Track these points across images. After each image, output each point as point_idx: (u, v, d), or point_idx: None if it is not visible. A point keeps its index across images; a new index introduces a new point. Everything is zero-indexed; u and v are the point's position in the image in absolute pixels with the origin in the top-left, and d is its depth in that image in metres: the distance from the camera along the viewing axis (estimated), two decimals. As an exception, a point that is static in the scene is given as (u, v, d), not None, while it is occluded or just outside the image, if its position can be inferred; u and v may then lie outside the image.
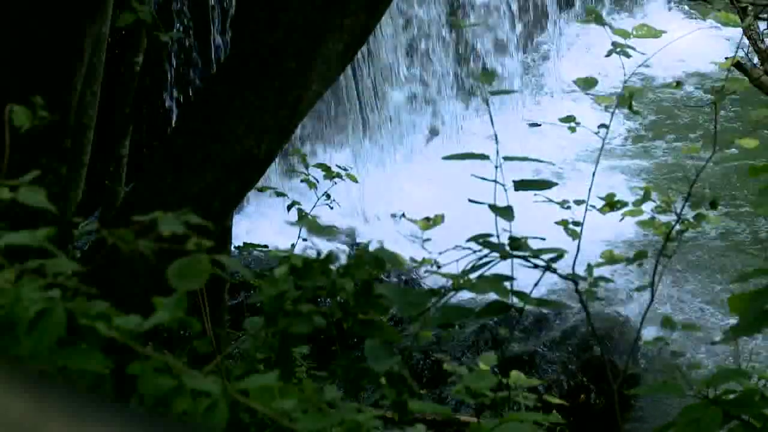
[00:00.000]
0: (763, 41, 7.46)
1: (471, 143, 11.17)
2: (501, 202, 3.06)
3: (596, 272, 3.33)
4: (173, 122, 9.43)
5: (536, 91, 13.10)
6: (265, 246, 6.23)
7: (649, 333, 7.14)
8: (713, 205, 3.88)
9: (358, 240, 10.02)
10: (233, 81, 3.79)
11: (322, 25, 3.70)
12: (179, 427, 1.59)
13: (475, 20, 12.27)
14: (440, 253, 3.44)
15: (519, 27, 13.10)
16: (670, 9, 14.94)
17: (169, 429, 1.45)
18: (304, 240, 5.12)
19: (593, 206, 3.83)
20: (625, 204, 4.08)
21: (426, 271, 3.67)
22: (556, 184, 3.28)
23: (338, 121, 11.11)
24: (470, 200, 3.21)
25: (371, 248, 2.64)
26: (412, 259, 3.81)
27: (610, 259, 3.80)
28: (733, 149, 10.80)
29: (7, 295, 2.11)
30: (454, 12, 12.19)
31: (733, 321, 2.93)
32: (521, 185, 3.19)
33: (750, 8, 7.05)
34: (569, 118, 4.29)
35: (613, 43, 4.08)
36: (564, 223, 3.99)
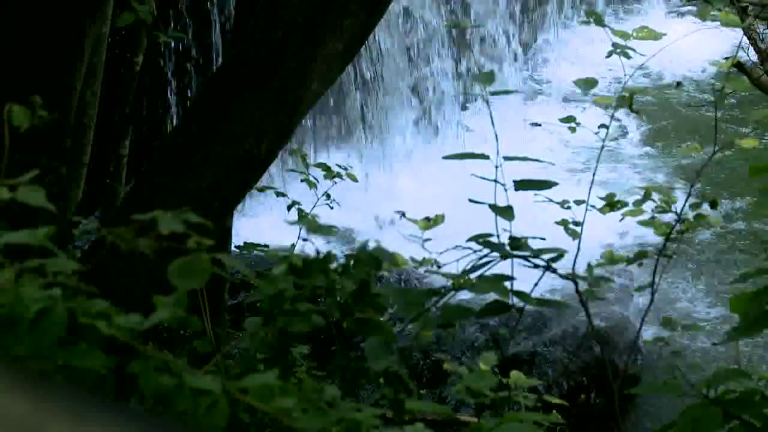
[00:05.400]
0: (763, 41, 7.46)
1: (471, 143, 11.18)
2: (501, 202, 3.06)
3: (596, 272, 3.33)
4: (173, 122, 9.43)
5: (536, 91, 13.10)
6: (266, 246, 6.22)
7: (649, 333, 7.15)
8: (713, 205, 3.89)
9: (357, 240, 10.03)
10: (233, 81, 3.79)
11: (322, 25, 3.70)
12: (179, 426, 1.59)
13: (476, 21, 12.28)
14: (440, 253, 3.45)
15: (519, 27, 13.10)
16: (668, 11, 14.94)
17: (169, 428, 1.45)
18: (304, 240, 5.11)
19: (593, 206, 3.84)
20: (625, 204, 4.08)
21: (426, 271, 3.67)
22: (556, 184, 3.28)
23: (338, 120, 11.11)
24: (470, 200, 3.21)
25: (369, 248, 2.64)
26: (412, 259, 3.81)
27: (610, 259, 3.81)
28: (734, 149, 10.80)
29: (7, 295, 2.11)
30: (455, 12, 12.19)
31: (733, 319, 2.93)
32: (521, 185, 3.19)
33: (750, 8, 7.05)
34: (569, 119, 4.30)
35: (613, 45, 4.08)
36: (564, 223, 3.99)
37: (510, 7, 12.93)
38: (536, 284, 3.02)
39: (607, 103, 4.13)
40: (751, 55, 8.01)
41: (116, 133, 5.51)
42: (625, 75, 3.99)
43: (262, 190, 6.88)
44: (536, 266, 3.00)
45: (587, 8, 13.68)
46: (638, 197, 4.04)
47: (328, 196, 6.24)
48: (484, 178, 3.22)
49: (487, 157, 3.24)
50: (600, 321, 8.10)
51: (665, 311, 9.06)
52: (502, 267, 2.92)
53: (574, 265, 3.24)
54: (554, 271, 3.02)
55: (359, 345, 2.65)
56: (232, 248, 5.91)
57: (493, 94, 3.40)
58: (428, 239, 3.59)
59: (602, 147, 3.90)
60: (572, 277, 3.21)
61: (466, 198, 3.34)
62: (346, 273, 2.58)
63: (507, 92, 4.03)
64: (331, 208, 6.30)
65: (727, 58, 4.64)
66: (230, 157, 3.71)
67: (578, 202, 3.99)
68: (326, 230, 2.81)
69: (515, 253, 2.95)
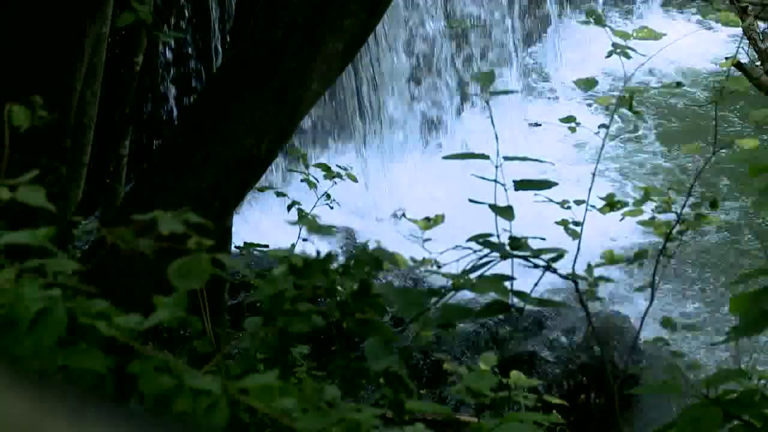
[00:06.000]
0: (763, 41, 7.46)
1: (471, 143, 11.18)
2: (501, 202, 3.06)
3: (596, 272, 3.33)
4: (173, 122, 9.43)
5: (536, 91, 13.10)
6: (266, 246, 6.23)
7: (649, 333, 7.14)
8: (713, 205, 3.89)
9: (358, 240, 10.03)
10: (233, 81, 3.79)
11: (322, 25, 3.70)
12: (179, 426, 1.59)
13: (476, 21, 12.27)
14: (440, 253, 3.44)
15: (519, 27, 13.10)
16: (668, 10, 14.93)
17: (169, 429, 1.45)
18: (304, 240, 5.12)
19: (593, 206, 3.83)
20: (625, 204, 4.08)
21: (426, 271, 3.67)
22: (556, 184, 3.28)
23: (339, 120, 11.11)
24: (470, 200, 3.21)
25: (370, 248, 2.64)
26: (412, 259, 3.81)
27: (610, 259, 3.80)
28: (737, 148, 10.78)
29: (7, 295, 2.11)
30: (455, 12, 12.19)
31: (734, 320, 2.94)
32: (521, 185, 3.19)
33: (750, 8, 7.05)
34: (569, 119, 4.30)
35: (614, 45, 4.08)
36: (564, 223, 3.99)
37: (511, 5, 12.92)
38: (536, 284, 3.02)
39: (607, 103, 4.13)
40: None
41: (116, 133, 5.51)
42: (624, 75, 3.98)
43: (262, 190, 6.89)
44: (536, 266, 2.99)
45: (588, 8, 13.68)
46: (638, 197, 4.04)
47: (328, 196, 6.24)
48: (484, 178, 3.22)
49: (487, 157, 3.24)
50: (600, 321, 8.10)
51: (665, 311, 9.06)
52: (502, 267, 2.92)
53: (574, 265, 3.24)
54: (554, 271, 3.02)
55: (359, 345, 2.65)
56: (232, 248, 5.91)
57: (494, 94, 3.39)
58: (428, 239, 3.59)
59: (602, 146, 3.90)
60: (572, 277, 3.21)
61: (466, 198, 3.33)
62: (346, 273, 2.58)
63: (507, 92, 4.03)
64: (331, 208, 6.30)
65: (727, 58, 4.64)
66: (230, 157, 3.71)
67: (578, 202, 3.99)
68: (326, 230, 2.81)
69: (515, 253, 2.95)
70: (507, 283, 2.80)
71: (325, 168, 6.28)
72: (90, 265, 2.50)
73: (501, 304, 2.83)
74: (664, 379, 2.97)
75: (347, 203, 9.46)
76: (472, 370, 3.34)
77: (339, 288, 2.57)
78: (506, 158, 3.24)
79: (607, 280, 3.33)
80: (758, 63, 7.27)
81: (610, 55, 4.12)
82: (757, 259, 9.82)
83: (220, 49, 9.54)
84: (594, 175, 3.77)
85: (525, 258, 2.97)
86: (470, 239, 2.98)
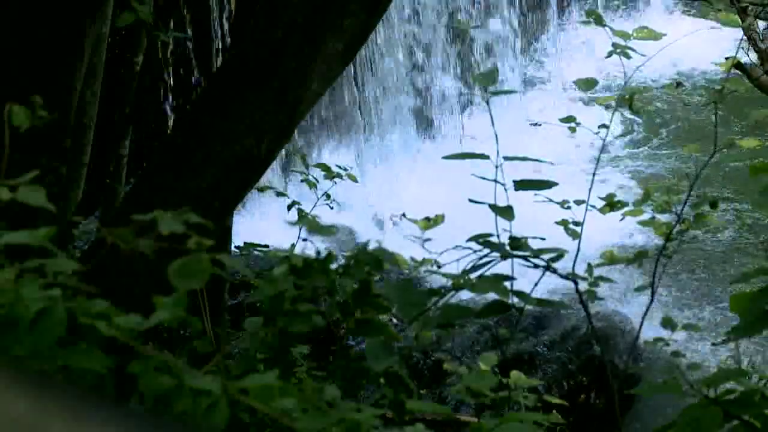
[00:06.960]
0: (763, 41, 7.46)
1: (471, 143, 11.18)
2: (501, 202, 3.06)
3: (596, 272, 3.33)
4: (173, 122, 9.44)
5: (537, 91, 13.10)
6: (266, 246, 6.23)
7: (649, 333, 7.14)
8: (713, 205, 3.89)
9: (358, 240, 10.03)
10: (233, 81, 3.79)
11: (322, 25, 3.70)
12: (179, 426, 1.59)
13: (476, 21, 12.28)
14: (440, 253, 3.44)
15: (520, 27, 13.10)
16: (670, 11, 14.93)
17: (169, 429, 1.45)
18: (304, 240, 5.12)
19: (593, 206, 3.84)
20: (625, 204, 4.08)
21: (426, 271, 3.67)
22: (556, 184, 3.28)
23: (339, 120, 11.11)
24: (470, 200, 3.21)
25: (370, 248, 2.64)
26: (412, 259, 3.81)
27: (610, 259, 3.81)
28: (734, 149, 10.80)
29: (7, 295, 2.11)
30: (455, 12, 12.19)
31: (734, 320, 2.94)
32: (521, 185, 3.19)
33: (750, 8, 7.05)
34: (569, 118, 4.30)
35: (614, 45, 4.09)
36: (564, 223, 4.00)
37: (512, 5, 12.93)
38: (536, 284, 3.02)
39: (607, 103, 4.13)
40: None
41: (116, 133, 5.51)
42: (624, 75, 3.99)
43: (262, 190, 6.88)
44: (536, 266, 3.00)
45: (588, 8, 13.68)
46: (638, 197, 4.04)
47: (328, 197, 6.24)
48: (484, 178, 3.22)
49: (486, 157, 3.24)
50: (600, 321, 8.10)
51: (665, 311, 9.05)
52: (502, 267, 2.92)
53: (574, 265, 3.24)
54: (554, 271, 3.02)
55: (360, 345, 2.65)
56: (232, 248, 5.91)
57: (494, 93, 3.39)
58: (428, 239, 3.59)
59: (602, 146, 3.90)
60: (572, 277, 3.21)
61: (466, 198, 3.33)
62: (346, 273, 2.58)
63: (507, 92, 4.03)
64: (331, 208, 6.30)
65: (727, 58, 4.64)
66: (230, 157, 3.71)
67: (578, 202, 3.99)
68: (326, 230, 2.81)
69: (515, 253, 2.95)
70: (507, 283, 2.80)
71: (325, 168, 6.28)
72: (90, 265, 2.50)
73: (501, 304, 2.83)
74: (664, 379, 2.97)
75: (347, 203, 9.47)
76: (472, 370, 3.34)
77: (341, 287, 2.57)
78: (506, 158, 3.24)
79: (607, 280, 3.33)
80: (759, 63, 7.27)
81: (610, 55, 4.12)
82: (757, 259, 9.81)
83: (220, 49, 9.54)
84: (594, 175, 3.77)
85: (525, 258, 2.97)
86: (470, 239, 2.98)
